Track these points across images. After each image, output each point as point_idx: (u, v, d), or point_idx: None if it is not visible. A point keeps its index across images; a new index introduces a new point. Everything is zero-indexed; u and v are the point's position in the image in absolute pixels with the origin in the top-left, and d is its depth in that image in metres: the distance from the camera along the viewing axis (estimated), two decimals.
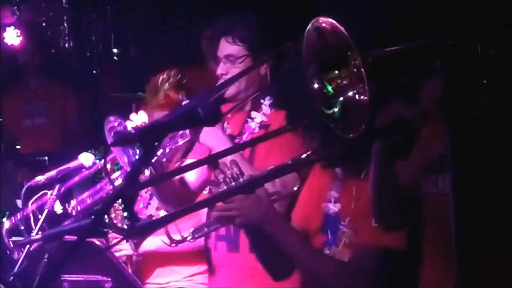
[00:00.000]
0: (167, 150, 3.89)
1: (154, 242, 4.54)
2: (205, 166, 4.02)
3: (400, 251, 3.12)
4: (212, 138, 3.75)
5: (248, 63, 3.95)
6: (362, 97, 2.49)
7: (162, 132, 2.41)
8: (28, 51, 7.82)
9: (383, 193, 2.92)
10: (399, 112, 2.75)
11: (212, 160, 3.63)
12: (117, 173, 4.21)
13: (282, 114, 3.93)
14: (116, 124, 3.66)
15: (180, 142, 3.90)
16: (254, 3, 4.23)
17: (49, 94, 7.77)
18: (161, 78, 4.56)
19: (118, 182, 4.14)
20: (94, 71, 9.03)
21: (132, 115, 3.93)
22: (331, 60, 2.58)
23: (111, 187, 4.16)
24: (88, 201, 4.29)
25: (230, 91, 3.95)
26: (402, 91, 2.76)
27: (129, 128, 3.68)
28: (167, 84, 4.54)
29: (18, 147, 7.87)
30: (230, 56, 3.97)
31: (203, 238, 4.15)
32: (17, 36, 8.66)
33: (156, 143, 2.35)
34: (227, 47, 3.98)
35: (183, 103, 3.89)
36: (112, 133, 3.67)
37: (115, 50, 8.70)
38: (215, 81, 4.03)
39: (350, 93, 2.55)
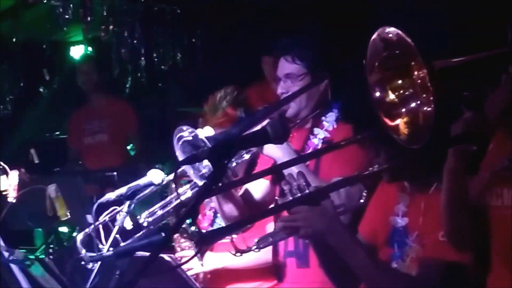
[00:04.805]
0: (234, 164, 3.92)
1: (221, 259, 4.56)
2: (269, 184, 4.05)
3: (466, 265, 3.09)
4: (278, 150, 3.76)
5: (308, 81, 3.99)
6: (426, 108, 2.47)
7: (231, 149, 2.44)
8: (93, 69, 7.92)
9: (455, 209, 2.90)
10: (471, 122, 2.73)
11: (277, 170, 3.64)
12: (185, 187, 4.25)
13: (348, 128, 3.92)
14: (186, 133, 3.68)
15: (246, 156, 3.92)
16: (313, 21, 4.27)
17: (110, 111, 7.89)
18: (218, 95, 4.58)
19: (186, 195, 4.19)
20: (161, 86, 9.14)
21: (198, 130, 3.97)
22: (394, 69, 2.58)
23: (179, 200, 4.20)
24: (159, 213, 4.33)
25: (292, 110, 4.00)
26: (466, 103, 2.74)
27: (200, 136, 3.68)
28: (225, 102, 4.56)
29: (80, 163, 8.02)
30: (289, 75, 4.02)
31: (271, 254, 4.18)
32: (84, 53, 8.84)
33: (226, 161, 2.38)
34: (286, 66, 4.03)
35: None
36: (181, 142, 3.71)
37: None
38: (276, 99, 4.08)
39: (414, 104, 2.54)
